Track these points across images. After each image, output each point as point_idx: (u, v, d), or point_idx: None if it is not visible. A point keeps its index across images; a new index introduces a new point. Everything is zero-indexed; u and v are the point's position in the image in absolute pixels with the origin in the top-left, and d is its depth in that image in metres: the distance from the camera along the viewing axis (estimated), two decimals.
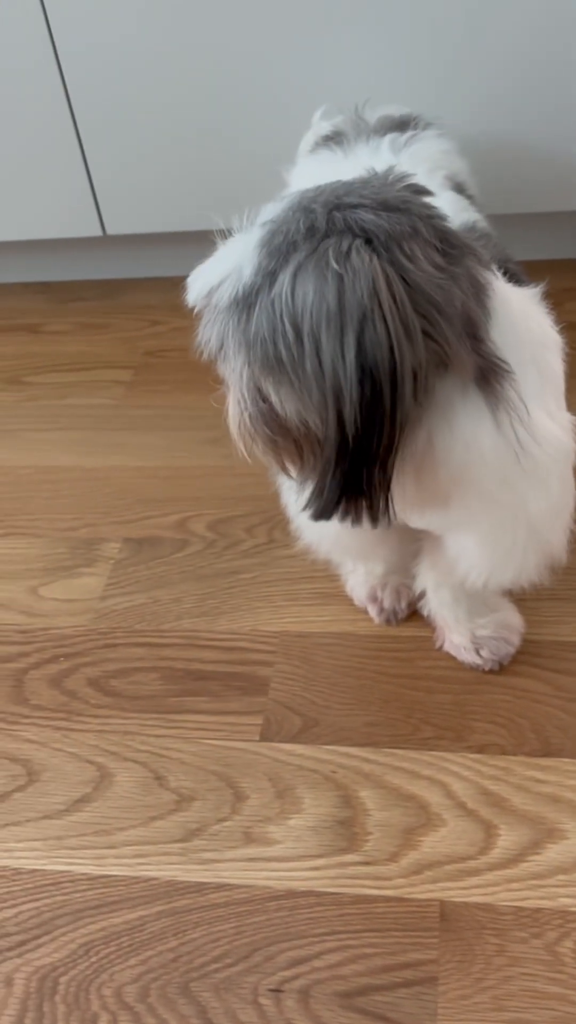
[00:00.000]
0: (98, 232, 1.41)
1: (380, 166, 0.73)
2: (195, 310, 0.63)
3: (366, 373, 0.55)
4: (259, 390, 0.61)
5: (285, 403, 0.60)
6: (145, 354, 1.40)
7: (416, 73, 1.17)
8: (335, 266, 0.55)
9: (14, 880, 0.83)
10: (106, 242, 1.47)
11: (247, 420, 0.64)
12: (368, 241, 0.56)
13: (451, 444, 0.65)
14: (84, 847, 0.85)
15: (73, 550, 1.12)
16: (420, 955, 0.75)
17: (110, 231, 1.40)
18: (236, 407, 0.64)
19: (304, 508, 0.63)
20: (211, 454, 1.21)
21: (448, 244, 0.59)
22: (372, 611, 0.98)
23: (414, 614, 0.98)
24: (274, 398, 0.60)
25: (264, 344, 0.57)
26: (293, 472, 0.67)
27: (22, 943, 0.79)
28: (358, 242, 0.55)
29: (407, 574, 0.94)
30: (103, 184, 1.35)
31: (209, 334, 0.61)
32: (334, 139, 1.00)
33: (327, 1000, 0.73)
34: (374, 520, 0.64)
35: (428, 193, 0.61)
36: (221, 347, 0.61)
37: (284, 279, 0.56)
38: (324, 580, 1.03)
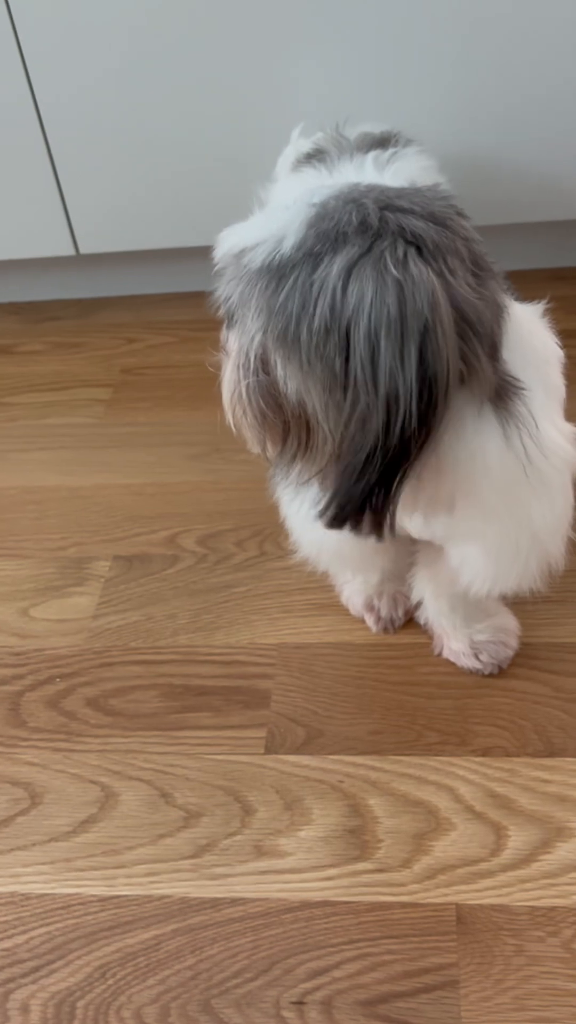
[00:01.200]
0: (71, 252, 1.40)
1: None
2: (217, 266, 0.63)
3: (424, 384, 0.56)
4: (264, 361, 0.61)
5: (289, 380, 0.60)
6: (123, 372, 1.40)
7: (392, 90, 1.19)
8: (395, 272, 0.55)
9: (23, 905, 0.82)
10: (78, 262, 1.47)
11: (243, 389, 0.64)
12: (419, 249, 0.57)
13: (457, 456, 0.66)
14: (93, 868, 0.84)
15: (62, 570, 1.11)
16: (439, 959, 0.75)
17: (83, 250, 1.40)
18: (235, 373, 0.64)
19: (322, 514, 0.64)
20: (196, 469, 1.21)
21: (478, 266, 0.60)
22: (369, 620, 0.99)
23: (410, 621, 0.99)
24: (279, 372, 0.60)
25: (288, 318, 0.58)
26: (271, 451, 0.67)
27: (36, 969, 0.78)
28: (412, 250, 0.56)
29: (403, 582, 0.95)
30: (75, 203, 1.35)
31: (232, 292, 0.61)
32: (316, 157, 1.02)
33: (350, 1010, 0.73)
34: (379, 530, 0.65)
35: (466, 217, 0.63)
36: (238, 307, 0.61)
37: (333, 268, 0.56)
38: (318, 591, 1.03)
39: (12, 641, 1.04)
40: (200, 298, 1.49)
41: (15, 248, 1.42)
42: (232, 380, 0.65)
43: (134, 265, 1.50)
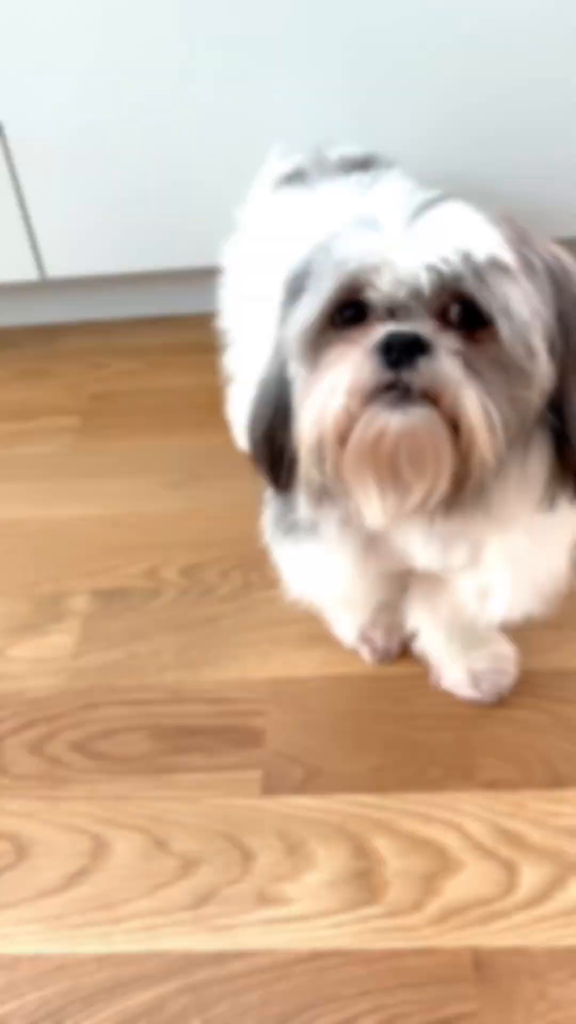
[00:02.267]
0: (36, 276, 1.36)
1: (351, 205, 0.74)
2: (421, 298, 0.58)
3: None
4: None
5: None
6: (91, 399, 1.36)
7: (369, 111, 1.18)
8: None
9: (15, 968, 0.77)
10: (41, 287, 1.43)
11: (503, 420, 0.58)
12: None
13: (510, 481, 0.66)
14: (87, 924, 0.79)
15: (37, 606, 1.07)
16: (460, 1007, 0.72)
17: (50, 274, 1.36)
18: (493, 405, 0.57)
19: None
20: (174, 497, 1.18)
21: None
22: (364, 652, 0.96)
23: (406, 651, 0.96)
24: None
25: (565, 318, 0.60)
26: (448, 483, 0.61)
27: None
28: None
29: (396, 612, 0.93)
30: (42, 227, 1.32)
31: (536, 303, 0.58)
32: (297, 177, 1.00)
33: None
34: None
35: None
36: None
37: (560, 255, 0.61)
38: (309, 622, 1.00)
39: None
40: (168, 323, 1.48)
41: None
42: (494, 416, 0.57)
43: (99, 290, 1.47)
